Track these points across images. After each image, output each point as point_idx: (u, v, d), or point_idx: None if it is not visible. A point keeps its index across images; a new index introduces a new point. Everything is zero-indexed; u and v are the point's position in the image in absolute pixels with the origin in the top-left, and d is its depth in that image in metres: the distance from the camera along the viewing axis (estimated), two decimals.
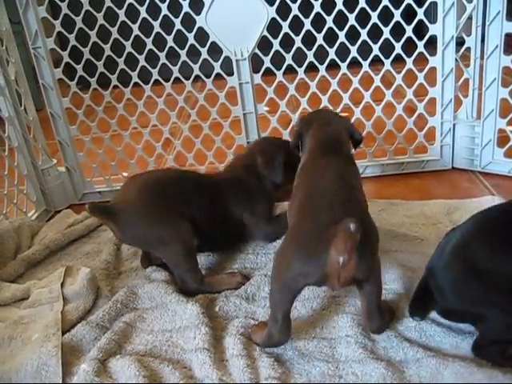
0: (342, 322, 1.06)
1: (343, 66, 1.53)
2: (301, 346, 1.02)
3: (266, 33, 1.49)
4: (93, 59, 1.54)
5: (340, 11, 1.47)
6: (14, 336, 1.09)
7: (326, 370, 0.97)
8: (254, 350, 1.01)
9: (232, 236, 1.30)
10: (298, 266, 0.91)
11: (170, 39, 1.53)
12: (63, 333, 1.09)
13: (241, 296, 1.16)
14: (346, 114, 1.47)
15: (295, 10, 1.47)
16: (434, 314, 1.02)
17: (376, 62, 1.54)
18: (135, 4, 1.49)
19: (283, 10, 1.48)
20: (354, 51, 1.51)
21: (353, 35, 1.49)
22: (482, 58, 1.47)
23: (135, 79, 1.57)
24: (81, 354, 1.06)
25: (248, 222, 1.28)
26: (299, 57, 1.51)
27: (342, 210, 0.91)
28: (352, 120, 1.53)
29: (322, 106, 1.55)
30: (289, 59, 1.52)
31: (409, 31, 1.47)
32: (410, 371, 0.93)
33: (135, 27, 1.51)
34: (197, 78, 1.55)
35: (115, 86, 1.58)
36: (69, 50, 1.53)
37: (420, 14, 1.47)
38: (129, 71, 1.56)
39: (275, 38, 1.50)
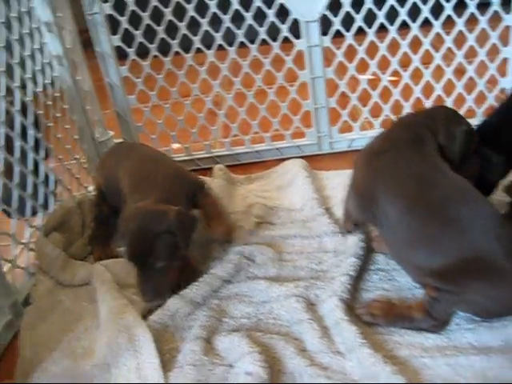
0: None
1: (414, 26, 1.47)
2: None
3: None
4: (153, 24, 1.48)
5: None
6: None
7: None
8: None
9: None
10: None
11: (213, 4, 1.45)
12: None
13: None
14: None
15: None
16: None
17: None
18: None
19: None
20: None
21: None
22: None
23: (198, 44, 1.50)
24: (174, 329, 1.03)
25: None
26: (370, 18, 1.45)
27: None
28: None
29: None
30: (359, 20, 1.46)
31: None
32: None
33: None
34: (262, 41, 1.49)
35: (176, 53, 1.52)
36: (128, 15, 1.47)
37: None
38: (191, 36, 1.50)
39: None
